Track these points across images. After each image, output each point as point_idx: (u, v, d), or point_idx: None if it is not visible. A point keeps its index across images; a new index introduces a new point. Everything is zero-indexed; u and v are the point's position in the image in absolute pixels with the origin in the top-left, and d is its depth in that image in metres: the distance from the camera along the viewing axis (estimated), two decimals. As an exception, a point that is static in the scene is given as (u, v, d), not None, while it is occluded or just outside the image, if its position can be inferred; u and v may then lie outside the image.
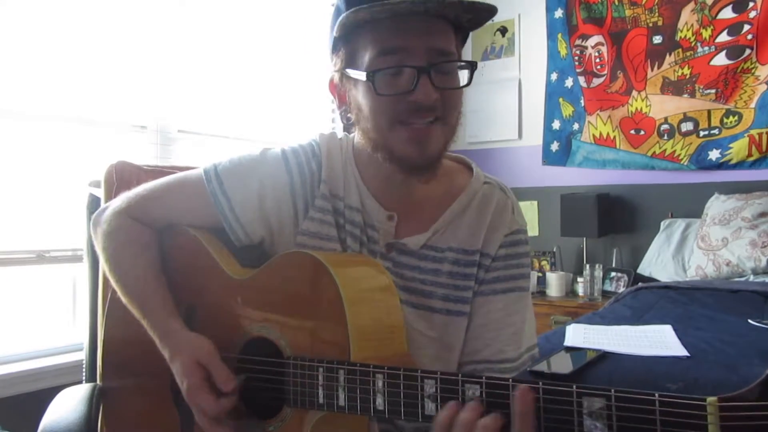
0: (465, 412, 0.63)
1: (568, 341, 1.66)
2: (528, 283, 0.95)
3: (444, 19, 0.82)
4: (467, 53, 3.62)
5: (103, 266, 0.98)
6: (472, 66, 0.85)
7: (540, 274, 3.30)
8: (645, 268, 3.06)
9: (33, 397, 1.78)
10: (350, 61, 0.85)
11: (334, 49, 0.87)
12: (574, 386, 0.56)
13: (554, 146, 3.48)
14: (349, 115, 0.88)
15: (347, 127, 0.93)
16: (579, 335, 1.72)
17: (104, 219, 0.96)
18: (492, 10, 0.82)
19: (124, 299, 0.92)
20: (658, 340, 1.62)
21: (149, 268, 0.92)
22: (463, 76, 0.85)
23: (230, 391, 0.79)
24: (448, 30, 0.83)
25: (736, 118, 2.94)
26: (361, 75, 0.81)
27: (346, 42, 0.85)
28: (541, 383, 0.58)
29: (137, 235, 0.95)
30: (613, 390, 0.54)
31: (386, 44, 0.80)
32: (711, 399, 0.50)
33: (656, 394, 0.52)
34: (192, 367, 0.80)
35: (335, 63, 0.88)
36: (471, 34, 0.89)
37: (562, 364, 1.42)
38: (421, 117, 0.80)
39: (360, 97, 0.84)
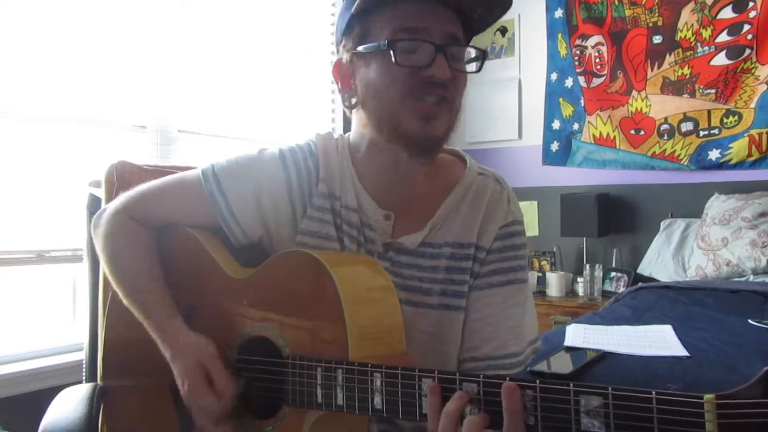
0: (451, 403, 0.63)
1: (568, 341, 1.66)
2: (526, 274, 0.94)
3: (456, 11, 0.85)
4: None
5: (103, 267, 0.98)
6: (483, 54, 0.88)
7: (540, 274, 3.30)
8: (645, 268, 3.06)
9: (33, 397, 1.79)
10: (364, 40, 0.85)
11: (347, 29, 0.88)
12: (571, 384, 0.56)
13: (554, 146, 3.48)
14: (353, 98, 0.88)
15: (350, 118, 0.94)
16: (579, 335, 1.72)
17: (104, 220, 0.96)
18: (505, 5, 0.85)
19: (124, 301, 0.92)
20: (658, 340, 1.62)
21: (148, 269, 0.93)
22: (471, 68, 0.88)
23: (230, 396, 0.79)
24: (458, 22, 0.85)
25: (736, 118, 2.94)
26: (381, 46, 0.83)
27: (361, 21, 0.86)
28: (538, 381, 0.58)
29: (136, 235, 0.95)
30: (610, 388, 0.54)
31: (406, 23, 0.82)
32: (708, 396, 0.50)
33: (653, 392, 0.52)
34: (193, 369, 0.81)
35: (345, 44, 0.88)
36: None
37: (562, 364, 1.42)
38: (432, 94, 0.82)
39: (372, 72, 0.84)
